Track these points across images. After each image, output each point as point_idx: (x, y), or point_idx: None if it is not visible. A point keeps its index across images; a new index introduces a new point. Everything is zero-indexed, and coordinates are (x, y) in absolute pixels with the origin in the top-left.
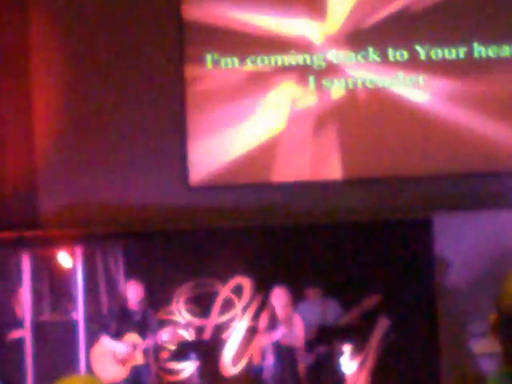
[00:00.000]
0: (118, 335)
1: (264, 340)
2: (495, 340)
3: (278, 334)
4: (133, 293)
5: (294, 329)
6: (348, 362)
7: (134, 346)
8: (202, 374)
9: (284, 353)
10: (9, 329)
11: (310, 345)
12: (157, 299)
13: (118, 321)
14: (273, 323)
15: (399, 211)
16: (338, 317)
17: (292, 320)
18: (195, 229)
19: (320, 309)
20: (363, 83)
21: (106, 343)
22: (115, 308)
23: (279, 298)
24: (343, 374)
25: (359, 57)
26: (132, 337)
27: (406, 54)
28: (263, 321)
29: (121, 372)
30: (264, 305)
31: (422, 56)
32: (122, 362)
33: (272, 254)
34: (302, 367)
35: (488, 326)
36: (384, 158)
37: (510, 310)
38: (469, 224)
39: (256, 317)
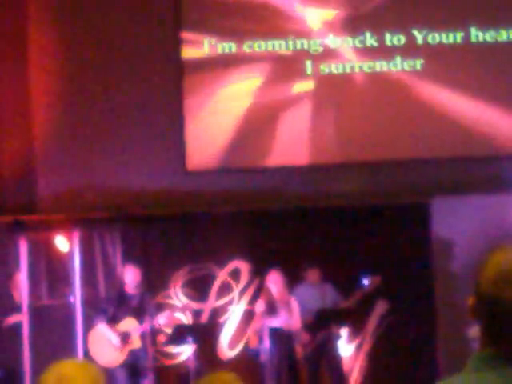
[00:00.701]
0: (115, 319)
1: (261, 324)
2: (473, 322)
3: (278, 319)
4: (130, 277)
5: (291, 312)
6: (345, 345)
7: (127, 335)
8: (199, 357)
9: (281, 336)
10: (6, 313)
11: (308, 328)
12: (154, 283)
13: (115, 305)
14: (270, 307)
15: (397, 195)
16: (336, 300)
17: (289, 303)
18: (192, 213)
19: (319, 291)
20: (360, 68)
21: (103, 330)
22: (112, 292)
23: (275, 281)
24: (341, 357)
25: (356, 41)
26: (129, 321)
27: (403, 39)
28: (260, 304)
29: (118, 356)
30: (261, 289)
31: (420, 40)
32: (119, 346)
33: (269, 238)
34: (300, 350)
35: (467, 308)
36: (382, 142)
37: (488, 292)
38: (467, 208)
39: (253, 300)
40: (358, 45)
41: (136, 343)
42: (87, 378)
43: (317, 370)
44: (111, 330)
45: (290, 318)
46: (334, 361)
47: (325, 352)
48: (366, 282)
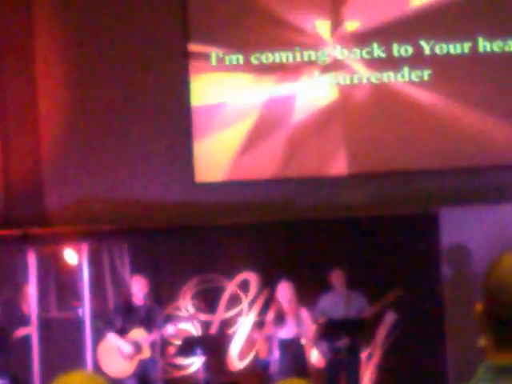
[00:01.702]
0: (123, 331)
1: (271, 335)
2: (482, 330)
3: (286, 330)
4: (137, 287)
5: (302, 323)
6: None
7: (138, 344)
8: (209, 368)
9: (291, 348)
10: (15, 326)
11: (318, 337)
12: (163, 295)
13: (123, 316)
14: (279, 318)
15: (405, 206)
16: (362, 308)
17: (299, 314)
18: (201, 225)
19: (344, 299)
20: (368, 79)
21: (112, 340)
22: (121, 304)
23: (284, 292)
24: (360, 368)
25: (364, 53)
26: (138, 332)
27: (410, 50)
28: (270, 316)
29: (128, 367)
30: (270, 300)
31: (427, 51)
32: (129, 357)
33: (278, 249)
34: (320, 360)
35: (475, 315)
36: (389, 152)
37: (497, 295)
38: (475, 217)
39: (262, 312)
40: (366, 56)
41: (146, 353)
42: None
43: (335, 380)
44: (121, 339)
45: (299, 329)
46: (354, 372)
47: (344, 362)
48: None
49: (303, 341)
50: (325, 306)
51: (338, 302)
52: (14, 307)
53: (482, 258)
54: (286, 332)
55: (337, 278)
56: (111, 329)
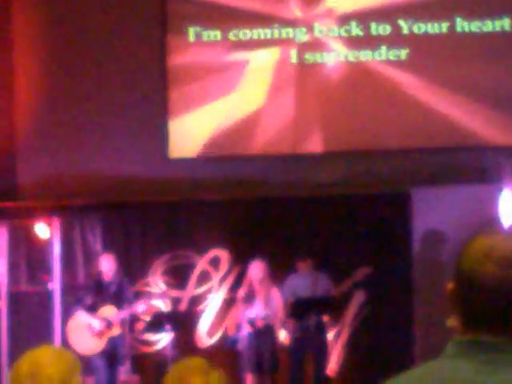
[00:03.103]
0: (93, 307)
1: (240, 313)
2: (452, 309)
3: (254, 308)
4: (106, 264)
5: (272, 302)
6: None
7: (109, 321)
8: (177, 345)
9: (260, 326)
10: None
11: (287, 316)
12: (134, 271)
13: (93, 293)
14: (250, 296)
15: (378, 185)
16: (329, 288)
17: (269, 293)
18: (173, 201)
19: (311, 280)
20: (345, 57)
21: (82, 317)
22: (91, 280)
23: (256, 271)
24: (327, 346)
25: (342, 31)
26: (108, 309)
27: (388, 28)
28: (240, 293)
29: (97, 343)
30: (241, 277)
31: (405, 30)
32: (99, 334)
33: (250, 227)
34: (286, 339)
35: (445, 293)
36: (364, 131)
37: (468, 270)
38: (447, 198)
39: (232, 289)
40: (344, 34)
41: (115, 330)
42: (61, 364)
43: (301, 359)
44: (91, 316)
45: (268, 308)
46: (320, 350)
47: (311, 341)
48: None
49: (272, 320)
50: (292, 286)
51: (304, 283)
52: None
53: (454, 238)
54: (255, 310)
55: (302, 265)
56: (81, 305)
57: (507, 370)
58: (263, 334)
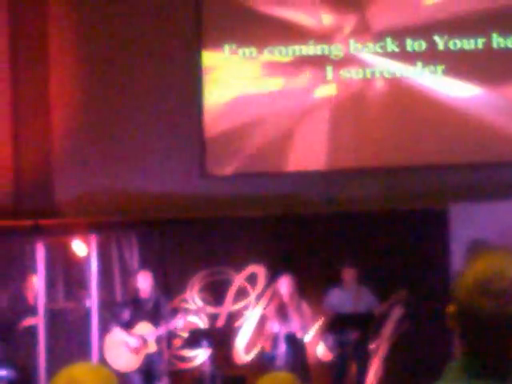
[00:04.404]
0: (130, 324)
1: (273, 328)
2: (453, 331)
3: (290, 323)
4: (143, 281)
5: (303, 316)
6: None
7: (145, 339)
8: (215, 361)
9: (293, 341)
10: (21, 317)
11: (324, 331)
12: (171, 287)
13: (130, 309)
14: (280, 311)
15: (415, 200)
16: (371, 304)
17: (300, 307)
18: (210, 217)
19: (353, 294)
20: (381, 73)
21: (118, 334)
22: (128, 297)
23: (285, 286)
24: (369, 360)
25: (377, 47)
26: (144, 326)
27: (424, 44)
28: (271, 309)
29: (134, 361)
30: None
31: (441, 46)
32: (135, 351)
33: (287, 243)
34: (326, 354)
35: (446, 316)
36: (401, 147)
37: (465, 302)
38: (485, 214)
39: (269, 305)
40: (379, 50)
41: (151, 347)
42: (98, 381)
43: (344, 372)
44: (128, 333)
45: (300, 323)
46: (363, 363)
47: (351, 355)
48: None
49: (304, 334)
50: (333, 300)
51: (347, 297)
52: (20, 298)
53: None
54: (289, 326)
55: (348, 274)
56: (118, 322)
57: None
58: (297, 349)
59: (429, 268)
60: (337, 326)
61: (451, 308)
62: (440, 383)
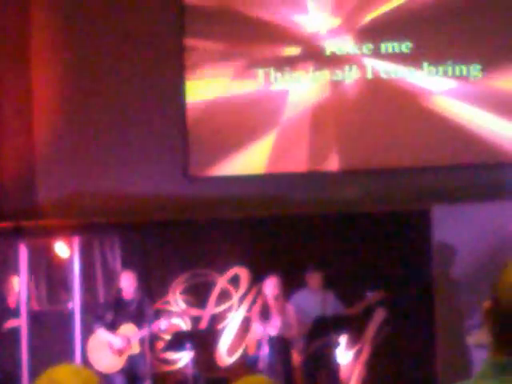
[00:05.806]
0: (113, 325)
1: (257, 330)
2: (487, 328)
3: (272, 325)
4: (126, 282)
5: (287, 318)
6: (344, 353)
7: (129, 339)
8: (198, 364)
9: (277, 343)
10: (4, 318)
11: (306, 335)
12: (154, 289)
13: (113, 311)
14: (265, 313)
15: (398, 202)
16: (337, 308)
17: (284, 309)
18: (193, 219)
19: (320, 298)
20: (363, 74)
21: (102, 335)
22: (111, 298)
23: (271, 287)
24: (339, 365)
25: (363, 48)
26: (128, 327)
27: (406, 45)
28: (255, 310)
29: (117, 362)
30: (259, 295)
31: (423, 46)
32: (118, 352)
33: (269, 245)
34: (297, 357)
35: (481, 312)
36: (382, 149)
37: (506, 297)
38: (467, 215)
39: (252, 307)
40: (362, 51)
41: (135, 348)
42: (80, 382)
43: (314, 378)
44: (111, 334)
45: (284, 325)
46: (332, 369)
47: (323, 360)
48: (369, 293)
49: (288, 337)
50: (299, 302)
51: (314, 300)
52: (1, 299)
53: (472, 256)
54: (273, 328)
55: (314, 278)
56: (101, 324)
57: None
58: (281, 351)
59: (410, 269)
60: (318, 329)
61: (487, 304)
62: (475, 380)
